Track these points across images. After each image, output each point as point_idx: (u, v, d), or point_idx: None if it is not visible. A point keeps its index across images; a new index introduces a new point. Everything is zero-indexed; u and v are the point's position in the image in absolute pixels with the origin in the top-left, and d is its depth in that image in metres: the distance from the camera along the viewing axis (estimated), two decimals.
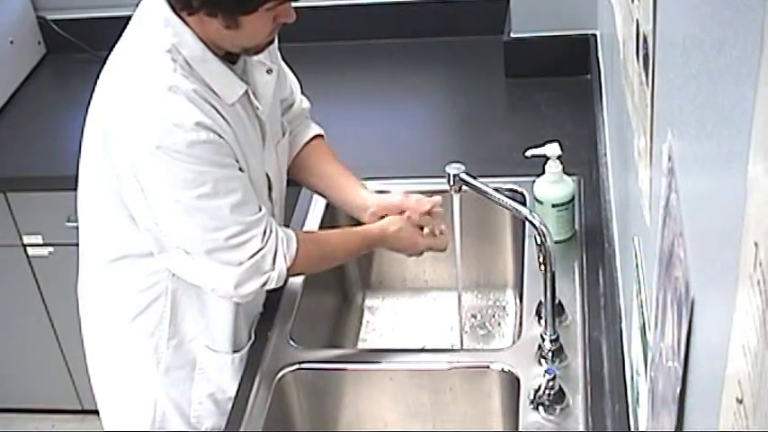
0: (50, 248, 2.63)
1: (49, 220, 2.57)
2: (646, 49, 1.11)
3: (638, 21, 1.19)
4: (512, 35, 2.59)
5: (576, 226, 2.03)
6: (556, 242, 1.75)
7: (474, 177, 1.76)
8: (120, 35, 1.68)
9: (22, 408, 3.04)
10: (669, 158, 0.89)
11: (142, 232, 1.67)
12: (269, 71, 1.77)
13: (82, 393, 2.87)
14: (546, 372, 1.64)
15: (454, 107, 2.63)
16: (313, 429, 1.91)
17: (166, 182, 1.58)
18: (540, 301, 1.80)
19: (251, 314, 1.92)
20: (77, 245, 1.84)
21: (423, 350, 2.06)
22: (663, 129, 0.97)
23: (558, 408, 1.65)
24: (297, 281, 1.98)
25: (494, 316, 2.23)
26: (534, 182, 1.99)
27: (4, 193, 2.55)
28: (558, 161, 1.94)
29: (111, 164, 1.62)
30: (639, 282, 1.23)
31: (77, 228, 1.82)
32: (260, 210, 1.67)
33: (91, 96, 1.68)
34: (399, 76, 2.75)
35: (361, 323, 2.25)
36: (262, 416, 1.75)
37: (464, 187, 1.78)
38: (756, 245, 0.53)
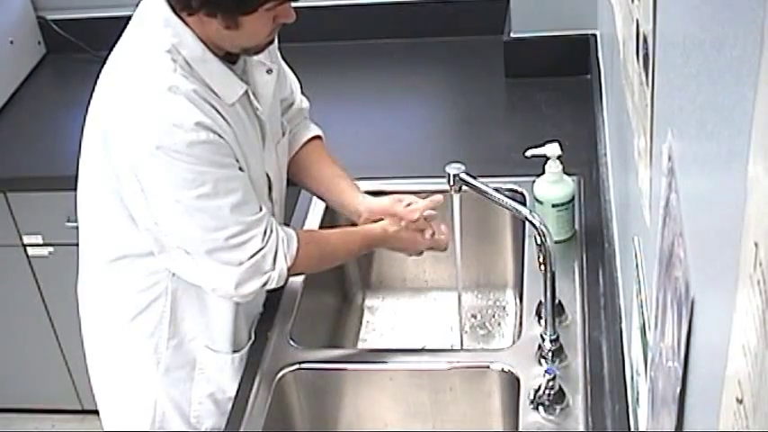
0: (50, 248, 2.63)
1: (48, 220, 2.57)
2: (646, 49, 1.11)
3: (638, 21, 1.19)
4: (512, 35, 2.59)
5: (576, 226, 2.03)
6: (556, 242, 1.75)
7: (474, 177, 1.76)
8: (120, 35, 1.68)
9: (22, 408, 3.04)
10: (669, 158, 0.89)
11: (142, 232, 1.67)
12: (269, 71, 1.77)
13: (82, 393, 2.87)
14: (546, 372, 1.64)
15: (454, 107, 2.62)
16: (313, 429, 1.91)
17: (166, 182, 1.58)
18: (540, 301, 1.80)
19: (251, 314, 1.92)
20: (77, 245, 1.84)
21: (423, 350, 2.06)
22: (663, 129, 0.97)
23: (558, 408, 1.65)
24: (297, 281, 1.98)
25: (494, 316, 2.23)
26: (534, 182, 1.99)
27: (4, 193, 2.55)
28: (558, 161, 1.94)
29: (111, 164, 1.62)
30: (639, 282, 1.23)
31: (77, 228, 1.82)
32: (260, 209, 1.67)
33: (91, 96, 1.68)
34: (399, 76, 2.75)
35: (361, 323, 2.25)
36: (262, 416, 1.75)
37: (464, 187, 1.78)
38: (756, 245, 0.53)
